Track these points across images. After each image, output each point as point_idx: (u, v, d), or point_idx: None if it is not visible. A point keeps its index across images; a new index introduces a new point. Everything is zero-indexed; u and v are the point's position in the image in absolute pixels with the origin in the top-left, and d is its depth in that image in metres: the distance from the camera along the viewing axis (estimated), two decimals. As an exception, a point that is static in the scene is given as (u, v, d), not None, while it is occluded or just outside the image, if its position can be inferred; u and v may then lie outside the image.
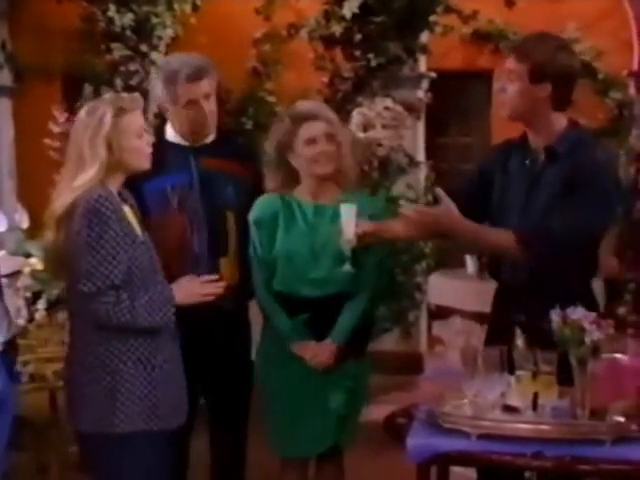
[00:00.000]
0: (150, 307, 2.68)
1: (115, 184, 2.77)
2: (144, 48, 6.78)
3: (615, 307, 4.74)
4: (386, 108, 5.80)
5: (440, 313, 5.26)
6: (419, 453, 2.53)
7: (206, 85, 3.25)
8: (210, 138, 3.35)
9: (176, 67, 3.22)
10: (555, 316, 2.53)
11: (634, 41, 7.19)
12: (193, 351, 2.96)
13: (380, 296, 4.82)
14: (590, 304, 2.66)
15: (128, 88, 6.05)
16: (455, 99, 7.89)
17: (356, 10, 6.11)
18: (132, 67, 6.73)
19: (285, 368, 3.18)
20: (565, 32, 6.57)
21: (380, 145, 5.80)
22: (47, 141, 5.58)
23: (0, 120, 7.15)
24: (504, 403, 2.57)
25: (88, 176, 2.69)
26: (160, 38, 6.83)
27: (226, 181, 3.32)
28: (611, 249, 3.67)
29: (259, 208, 3.20)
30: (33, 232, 5.32)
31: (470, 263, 5.05)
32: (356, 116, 5.80)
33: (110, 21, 6.67)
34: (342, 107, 6.23)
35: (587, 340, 2.47)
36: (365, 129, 5.78)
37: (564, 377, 2.55)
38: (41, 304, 4.85)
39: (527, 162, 2.94)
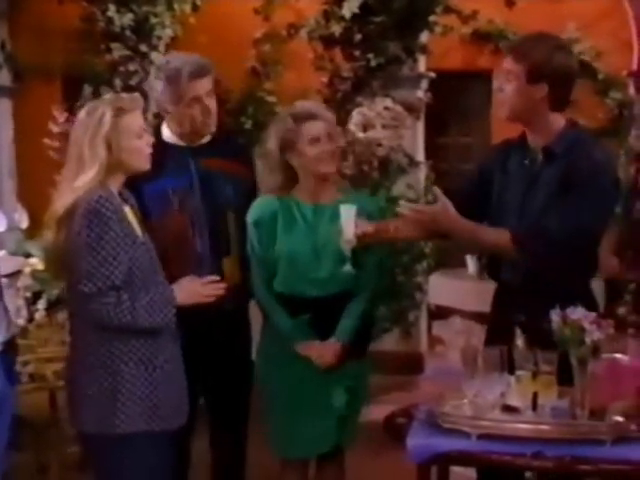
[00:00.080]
0: (151, 308, 2.68)
1: (115, 184, 2.77)
2: (144, 48, 6.77)
3: (615, 307, 4.75)
4: (386, 108, 5.80)
5: (440, 313, 5.26)
6: (419, 453, 2.53)
7: (208, 82, 3.26)
8: (207, 138, 3.35)
9: (178, 65, 3.22)
10: (555, 316, 2.53)
11: (634, 41, 7.19)
12: (193, 351, 2.96)
13: (380, 296, 4.82)
14: (589, 304, 2.66)
15: (128, 88, 6.04)
16: (455, 99, 7.90)
17: (356, 10, 6.11)
18: (132, 67, 6.72)
19: (285, 368, 3.18)
20: (565, 32, 6.57)
21: (380, 145, 5.80)
22: (47, 141, 5.58)
23: (0, 120, 7.15)
24: (504, 403, 2.57)
25: (88, 177, 2.69)
26: (160, 38, 6.83)
27: (226, 181, 3.32)
28: (611, 249, 3.66)
29: (257, 209, 3.20)
30: (33, 232, 5.32)
31: (470, 263, 5.06)
32: (356, 116, 5.80)
33: (110, 21, 6.67)
34: (342, 107, 6.23)
35: (587, 340, 2.47)
36: (365, 129, 5.78)
37: (564, 377, 2.56)
38: (41, 304, 4.85)
39: (526, 162, 2.94)
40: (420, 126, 6.49)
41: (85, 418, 2.74)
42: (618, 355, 2.66)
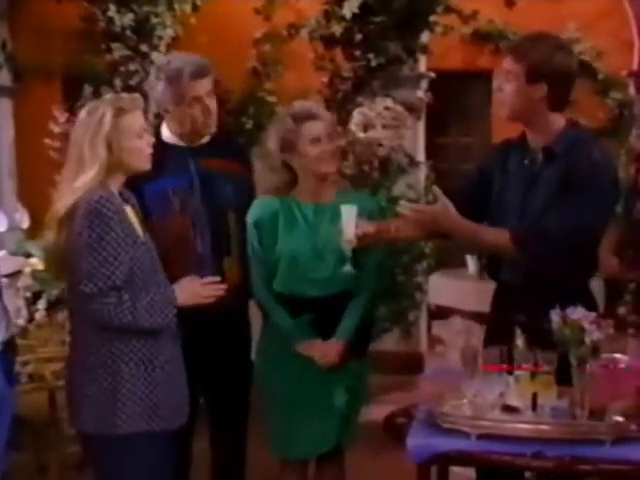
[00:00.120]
0: (151, 308, 2.68)
1: (116, 184, 2.77)
2: (144, 48, 6.77)
3: (615, 307, 4.75)
4: (386, 108, 5.80)
5: (440, 313, 5.26)
6: (419, 453, 2.53)
7: (209, 83, 3.26)
8: (206, 138, 3.35)
9: (179, 65, 3.22)
10: (555, 316, 2.53)
11: (634, 41, 7.20)
12: (193, 351, 2.96)
13: (380, 296, 4.83)
14: (589, 304, 2.66)
15: (128, 88, 6.04)
16: (455, 99, 7.89)
17: (356, 10, 6.11)
18: (132, 67, 6.72)
19: (285, 368, 3.18)
20: (565, 32, 6.57)
21: (380, 145, 5.80)
22: (47, 141, 5.59)
23: (0, 120, 7.15)
24: (503, 403, 2.57)
25: (88, 177, 2.69)
26: (160, 38, 6.83)
27: (226, 181, 3.32)
28: (611, 249, 3.66)
29: (257, 209, 3.20)
30: (33, 232, 5.33)
31: (471, 263, 5.05)
32: (356, 116, 5.80)
33: (110, 21, 6.66)
34: (342, 107, 6.24)
35: (587, 340, 2.47)
36: (365, 129, 5.78)
37: (564, 377, 2.55)
38: (41, 304, 4.86)
39: (526, 162, 2.94)
40: (420, 126, 6.49)
41: (85, 418, 2.74)
42: (618, 355, 2.66)
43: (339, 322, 3.17)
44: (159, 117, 3.38)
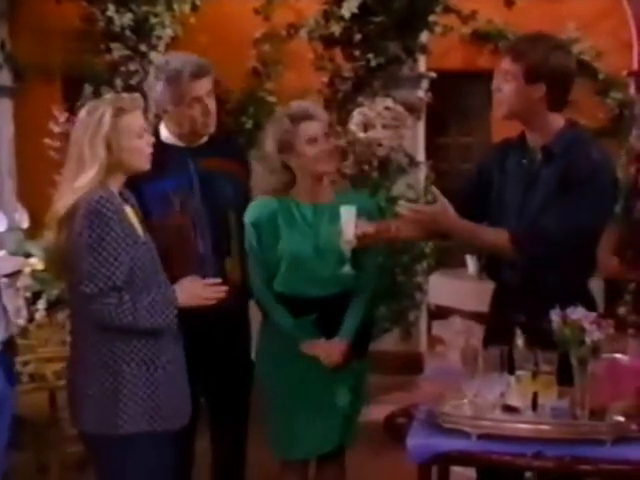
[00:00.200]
0: (152, 309, 2.68)
1: (116, 184, 2.77)
2: (143, 48, 6.77)
3: (615, 307, 4.74)
4: (386, 108, 5.80)
5: (440, 313, 5.26)
6: (419, 453, 2.53)
7: (208, 83, 3.26)
8: (205, 138, 3.35)
9: (178, 66, 3.22)
10: (555, 316, 2.53)
11: (634, 41, 7.20)
12: (194, 351, 2.96)
13: (380, 296, 4.83)
14: (588, 304, 2.66)
15: (128, 88, 6.05)
16: (455, 99, 7.90)
17: (355, 10, 6.10)
18: (132, 67, 6.72)
19: (285, 368, 3.18)
20: (565, 32, 6.58)
21: (380, 145, 5.80)
22: (47, 141, 5.59)
23: (0, 120, 7.15)
24: (504, 403, 2.57)
25: (88, 177, 2.68)
26: (160, 38, 6.83)
27: (226, 181, 3.32)
28: (611, 249, 3.66)
29: (256, 209, 3.19)
30: (33, 232, 5.33)
31: (470, 263, 5.06)
32: (356, 116, 5.80)
33: (109, 21, 6.66)
34: (342, 107, 6.24)
35: (587, 340, 2.47)
36: (365, 129, 5.78)
37: (564, 377, 2.55)
38: (41, 304, 4.86)
39: (524, 162, 2.94)
40: (420, 126, 6.50)
41: (87, 418, 2.74)
42: (618, 355, 2.66)
43: (340, 322, 3.17)
44: (158, 117, 3.38)
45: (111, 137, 2.71)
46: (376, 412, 3.34)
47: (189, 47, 5.16)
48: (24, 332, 4.57)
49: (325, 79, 6.47)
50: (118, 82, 6.63)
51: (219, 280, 2.87)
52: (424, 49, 6.37)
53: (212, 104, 3.28)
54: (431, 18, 6.25)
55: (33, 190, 5.92)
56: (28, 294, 4.88)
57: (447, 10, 6.29)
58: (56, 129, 5.61)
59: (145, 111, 2.87)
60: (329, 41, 6.38)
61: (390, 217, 3.20)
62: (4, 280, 4.53)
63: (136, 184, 2.92)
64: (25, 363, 4.25)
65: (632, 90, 7.28)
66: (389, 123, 5.75)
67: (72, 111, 5.10)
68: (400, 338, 6.28)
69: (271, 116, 3.43)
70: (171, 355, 2.78)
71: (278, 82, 7.35)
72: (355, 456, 3.41)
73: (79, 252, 2.64)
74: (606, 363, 2.56)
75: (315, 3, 6.45)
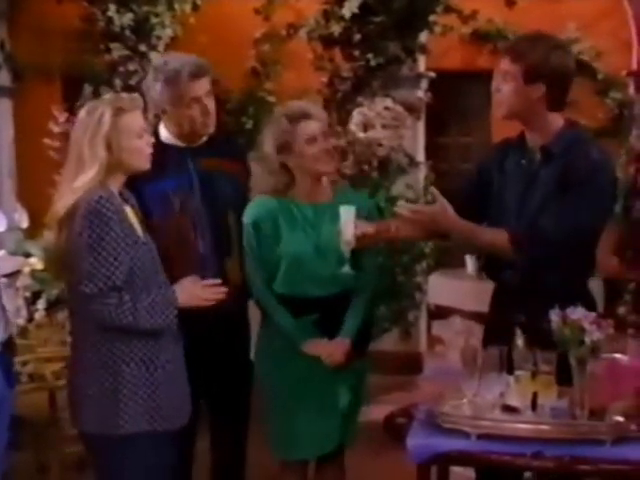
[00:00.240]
0: (152, 309, 2.68)
1: (116, 184, 2.76)
2: (143, 48, 6.78)
3: (615, 307, 4.74)
4: (386, 108, 5.80)
5: (440, 313, 5.26)
6: (419, 453, 2.53)
7: (207, 83, 3.26)
8: (205, 138, 3.35)
9: (177, 66, 3.22)
10: (555, 316, 2.53)
11: (634, 41, 7.20)
12: (194, 351, 2.96)
13: (380, 296, 4.82)
14: (588, 304, 2.66)
15: (127, 88, 6.05)
16: (455, 99, 7.90)
17: (355, 10, 6.11)
18: (131, 67, 6.73)
19: (286, 368, 3.17)
20: (565, 32, 6.58)
21: (380, 145, 5.80)
22: (47, 141, 5.59)
23: (0, 120, 7.16)
24: (503, 403, 2.57)
25: (88, 177, 2.68)
26: (159, 38, 6.83)
27: (225, 181, 3.32)
28: (611, 249, 3.66)
29: (255, 210, 3.19)
30: (33, 232, 5.33)
31: (470, 263, 5.06)
32: (356, 116, 5.80)
33: (109, 21, 6.67)
34: (342, 107, 6.24)
35: (587, 340, 2.47)
36: (365, 129, 5.78)
37: (564, 377, 2.55)
38: (41, 304, 4.86)
39: (523, 162, 2.94)
40: (420, 126, 6.50)
41: (87, 418, 2.74)
42: (618, 355, 2.66)
43: (340, 322, 3.16)
44: (158, 117, 3.37)
45: (111, 137, 2.71)
46: (376, 412, 3.34)
47: (189, 47, 5.17)
48: (24, 332, 4.57)
49: (325, 79, 6.47)
50: (118, 82, 6.64)
51: (219, 281, 2.87)
52: (424, 49, 6.38)
53: (211, 104, 3.28)
54: (431, 18, 6.25)
55: (33, 190, 5.92)
56: (28, 294, 4.89)
57: (447, 10, 6.30)
58: (56, 129, 5.62)
59: (145, 111, 2.87)
60: (329, 41, 6.38)
61: (390, 217, 3.19)
62: (4, 280, 4.53)
63: (136, 184, 2.92)
64: (24, 363, 4.25)
65: (632, 90, 7.28)
66: (389, 123, 5.75)
67: (72, 111, 5.10)
68: (400, 338, 6.28)
69: (271, 116, 3.41)
70: (171, 355, 2.78)
71: (278, 82, 7.36)
72: (355, 456, 3.40)
73: (79, 252, 2.64)
74: (606, 363, 2.56)
75: (315, 3, 6.45)
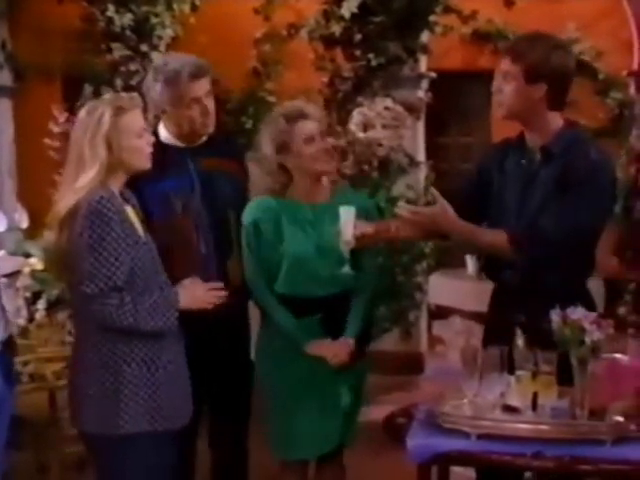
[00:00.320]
0: (153, 311, 2.68)
1: (117, 184, 2.76)
2: (144, 48, 6.78)
3: (615, 307, 4.74)
4: (386, 108, 5.80)
5: (440, 313, 5.26)
6: (419, 453, 2.53)
7: (207, 83, 3.26)
8: (204, 139, 3.35)
9: (177, 67, 3.22)
10: (555, 316, 2.53)
11: (634, 41, 7.20)
12: (194, 352, 2.95)
13: (380, 296, 4.82)
14: (587, 304, 2.66)
15: (128, 88, 6.04)
16: (455, 99, 7.90)
17: (355, 10, 6.10)
18: (132, 67, 6.73)
19: (287, 368, 3.17)
20: (565, 32, 6.58)
21: (380, 145, 5.80)
22: (47, 141, 5.59)
23: (0, 120, 7.15)
24: (504, 403, 2.57)
25: (88, 177, 2.68)
26: (160, 38, 6.84)
27: (225, 181, 3.32)
28: (611, 249, 3.66)
29: (255, 210, 3.18)
30: (33, 232, 5.33)
31: (470, 263, 5.06)
32: (356, 116, 5.80)
33: (110, 21, 6.67)
34: (342, 107, 6.24)
35: (587, 340, 2.47)
36: (365, 129, 5.78)
37: (564, 377, 2.55)
38: (41, 304, 4.86)
39: (523, 162, 2.94)
40: (420, 126, 6.49)
41: (87, 418, 2.74)
42: (618, 355, 2.66)
43: (341, 322, 3.16)
44: (158, 118, 3.37)
45: (111, 137, 2.71)
46: (376, 412, 3.35)
47: (189, 47, 5.18)
48: (24, 332, 4.57)
49: (325, 79, 6.47)
50: (118, 82, 6.64)
51: (221, 284, 2.87)
52: (424, 49, 6.37)
53: (211, 104, 3.28)
54: (431, 18, 6.25)
55: (33, 190, 5.93)
56: (28, 294, 4.89)
57: (447, 10, 6.30)
58: (56, 129, 5.62)
59: (144, 111, 2.87)
60: (329, 41, 6.38)
61: (390, 217, 3.19)
62: (4, 280, 4.53)
63: (136, 185, 2.92)
64: (25, 363, 4.25)
65: (632, 90, 7.28)
66: (389, 123, 5.75)
67: (72, 111, 5.10)
68: (400, 338, 6.28)
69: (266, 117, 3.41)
70: (172, 355, 2.78)
71: (278, 82, 7.36)
72: (355, 456, 3.40)
73: (80, 252, 2.64)
74: (606, 363, 2.56)
75: (315, 3, 6.45)
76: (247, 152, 3.54)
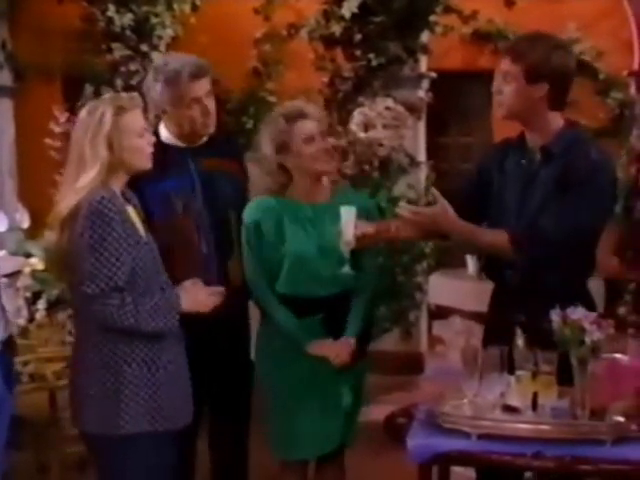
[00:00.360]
0: (154, 312, 2.68)
1: (118, 184, 2.76)
2: (144, 48, 6.78)
3: (615, 307, 4.74)
4: (387, 108, 5.80)
5: (440, 313, 5.26)
6: (419, 453, 2.53)
7: (207, 83, 3.26)
8: (205, 139, 3.35)
9: (177, 67, 3.22)
10: (555, 316, 2.53)
11: (634, 41, 7.20)
12: (194, 352, 2.95)
13: (380, 296, 4.82)
14: (587, 304, 2.66)
15: (128, 88, 6.04)
16: (456, 99, 7.90)
17: (355, 10, 6.10)
18: (132, 67, 6.73)
19: (287, 368, 3.17)
20: (565, 32, 6.58)
21: (381, 145, 5.80)
22: (48, 141, 5.59)
23: (1, 120, 7.16)
24: (504, 403, 2.57)
25: (90, 177, 2.68)
26: (160, 38, 6.84)
27: (226, 181, 3.32)
28: (611, 249, 3.66)
29: (257, 210, 3.18)
30: (33, 232, 5.33)
31: (470, 263, 5.06)
32: (357, 116, 5.80)
33: (110, 21, 6.67)
34: (343, 107, 6.24)
35: (587, 340, 2.47)
36: (366, 129, 5.78)
37: (564, 377, 2.55)
38: (41, 304, 4.87)
39: (523, 162, 2.94)
40: (421, 126, 6.50)
41: (88, 418, 2.74)
42: (618, 355, 2.66)
43: (342, 322, 3.16)
44: (158, 118, 3.37)
45: (112, 136, 2.70)
46: (376, 412, 3.34)
47: (190, 47, 5.18)
48: (24, 332, 4.57)
49: (326, 79, 6.47)
50: (119, 82, 6.64)
51: (221, 288, 2.87)
52: (425, 49, 6.37)
53: (211, 104, 3.28)
54: (431, 18, 6.25)
55: (34, 190, 5.93)
56: (28, 294, 4.89)
57: (447, 10, 6.30)
58: (56, 129, 5.62)
59: (145, 111, 2.87)
60: (329, 41, 6.38)
61: (391, 217, 3.19)
62: (4, 280, 4.53)
63: (137, 185, 2.92)
64: (25, 363, 4.26)
65: (632, 90, 7.28)
66: (389, 123, 5.75)
67: (72, 111, 5.10)
68: (400, 338, 6.28)
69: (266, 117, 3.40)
70: (173, 355, 2.78)
71: (279, 82, 7.36)
72: (355, 456, 3.40)
73: (81, 253, 2.64)
74: (606, 363, 2.56)
75: (315, 3, 6.45)
76: (246, 152, 3.55)
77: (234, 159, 3.41)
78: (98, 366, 2.69)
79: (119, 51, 6.72)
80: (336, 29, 6.27)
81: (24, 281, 4.88)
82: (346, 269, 3.05)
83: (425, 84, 6.45)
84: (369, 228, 3.01)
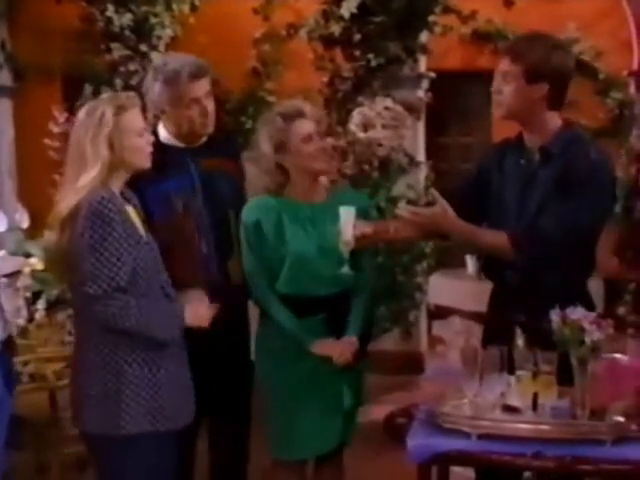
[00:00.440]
0: (159, 319, 2.69)
1: (118, 184, 2.76)
2: (144, 48, 6.78)
3: (615, 307, 4.75)
4: (386, 108, 5.80)
5: (440, 313, 5.26)
6: (419, 453, 2.53)
7: (206, 83, 3.25)
8: (204, 139, 3.35)
9: (177, 67, 3.21)
10: (555, 316, 2.53)
11: (634, 41, 7.20)
12: (194, 353, 2.95)
13: (380, 296, 4.83)
14: (587, 304, 2.66)
15: (128, 88, 6.04)
16: (455, 99, 7.90)
17: (354, 10, 6.10)
18: (132, 67, 6.73)
19: (287, 367, 3.16)
20: (565, 32, 6.58)
21: (380, 145, 5.81)
22: (47, 141, 5.60)
23: (0, 120, 7.16)
24: (504, 403, 2.57)
25: (90, 176, 2.68)
26: (159, 38, 6.84)
27: (225, 181, 3.32)
28: (611, 249, 3.66)
29: (256, 209, 3.17)
30: (33, 232, 5.34)
31: (470, 263, 5.06)
32: (356, 116, 5.81)
33: (109, 21, 6.67)
34: (342, 107, 6.24)
35: (587, 340, 2.47)
36: (365, 129, 5.78)
37: (564, 377, 2.56)
38: (41, 304, 4.87)
39: (522, 162, 2.94)
40: (420, 126, 6.50)
41: (89, 418, 2.73)
42: (618, 355, 2.66)
43: (342, 321, 3.16)
44: (157, 118, 3.37)
45: (113, 136, 2.70)
46: (376, 412, 3.35)
47: (189, 47, 5.17)
48: (24, 332, 4.57)
49: (325, 79, 6.47)
50: (118, 82, 6.64)
51: (218, 305, 2.87)
52: (424, 49, 6.37)
53: (210, 105, 3.28)
54: (431, 18, 6.25)
55: (33, 190, 5.93)
56: (28, 294, 4.89)
57: (447, 10, 6.30)
58: (56, 129, 5.63)
59: (144, 111, 2.87)
60: (329, 41, 6.38)
61: (390, 217, 3.19)
62: (4, 280, 4.53)
63: (137, 185, 2.92)
64: (25, 363, 4.26)
65: (632, 90, 7.28)
66: (389, 123, 5.76)
67: (72, 111, 5.10)
68: (400, 338, 6.28)
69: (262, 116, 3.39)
70: (173, 355, 2.77)
71: (278, 82, 7.36)
72: (354, 456, 3.40)
73: (81, 253, 2.64)
74: (606, 363, 2.56)
75: (314, 3, 6.45)
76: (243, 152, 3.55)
77: (233, 159, 3.41)
78: (99, 366, 2.69)
79: (118, 51, 6.72)
80: (335, 29, 6.27)
81: (24, 281, 4.88)
82: (345, 269, 3.05)
83: (424, 84, 6.45)
84: (368, 228, 3.01)
